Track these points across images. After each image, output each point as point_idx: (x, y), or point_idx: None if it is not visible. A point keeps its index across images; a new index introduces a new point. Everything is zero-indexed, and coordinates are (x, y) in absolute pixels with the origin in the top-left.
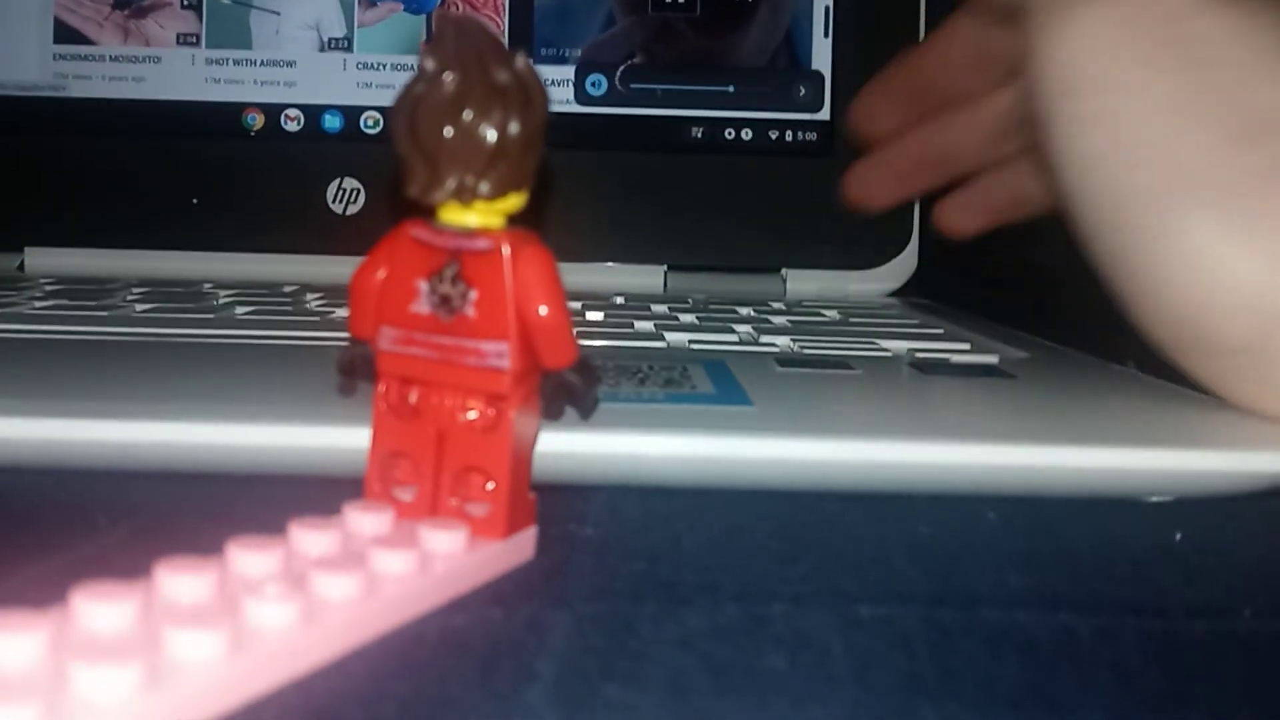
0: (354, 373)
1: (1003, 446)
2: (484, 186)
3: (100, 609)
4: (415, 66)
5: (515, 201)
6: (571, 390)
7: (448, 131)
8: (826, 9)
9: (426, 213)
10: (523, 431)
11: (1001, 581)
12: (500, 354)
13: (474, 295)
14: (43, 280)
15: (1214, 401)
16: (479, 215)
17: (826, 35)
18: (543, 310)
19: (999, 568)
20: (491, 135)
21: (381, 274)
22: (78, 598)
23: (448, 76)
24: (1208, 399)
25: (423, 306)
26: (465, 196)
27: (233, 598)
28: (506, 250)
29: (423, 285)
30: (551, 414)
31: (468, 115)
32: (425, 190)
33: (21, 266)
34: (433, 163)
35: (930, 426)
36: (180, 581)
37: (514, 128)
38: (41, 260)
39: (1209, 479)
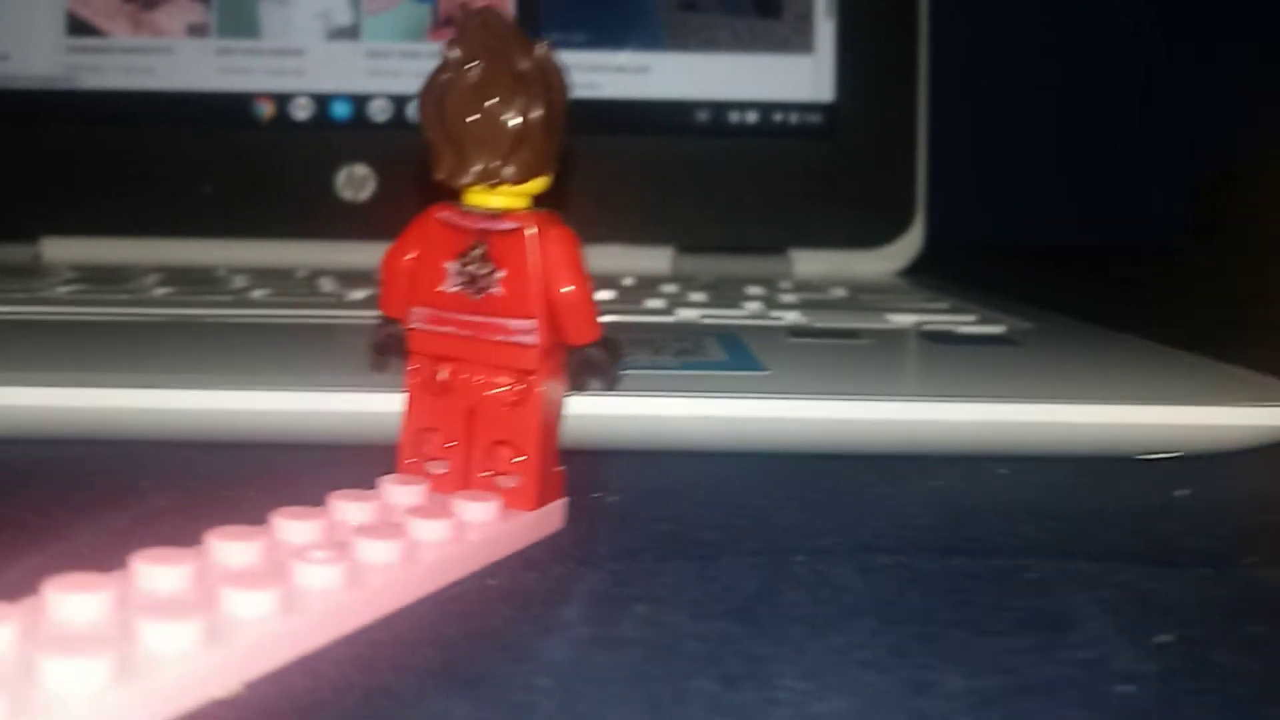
0: (386, 351)
1: (1001, 406)
2: (509, 170)
3: (159, 571)
4: (440, 56)
5: (539, 184)
6: (596, 365)
7: (473, 118)
8: None
9: (452, 196)
10: (550, 405)
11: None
12: (527, 330)
13: (501, 275)
14: (61, 268)
15: (1213, 363)
16: (504, 198)
17: (829, 17)
18: (567, 288)
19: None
20: (515, 121)
21: (411, 255)
22: (137, 561)
23: (472, 65)
24: (1210, 362)
25: (451, 286)
26: (491, 180)
27: (281, 562)
28: (532, 231)
29: (451, 266)
30: (577, 388)
31: (492, 102)
32: (452, 174)
33: (38, 256)
34: (459, 148)
35: (935, 388)
36: (231, 547)
37: (536, 113)
38: (58, 250)
39: (1213, 433)
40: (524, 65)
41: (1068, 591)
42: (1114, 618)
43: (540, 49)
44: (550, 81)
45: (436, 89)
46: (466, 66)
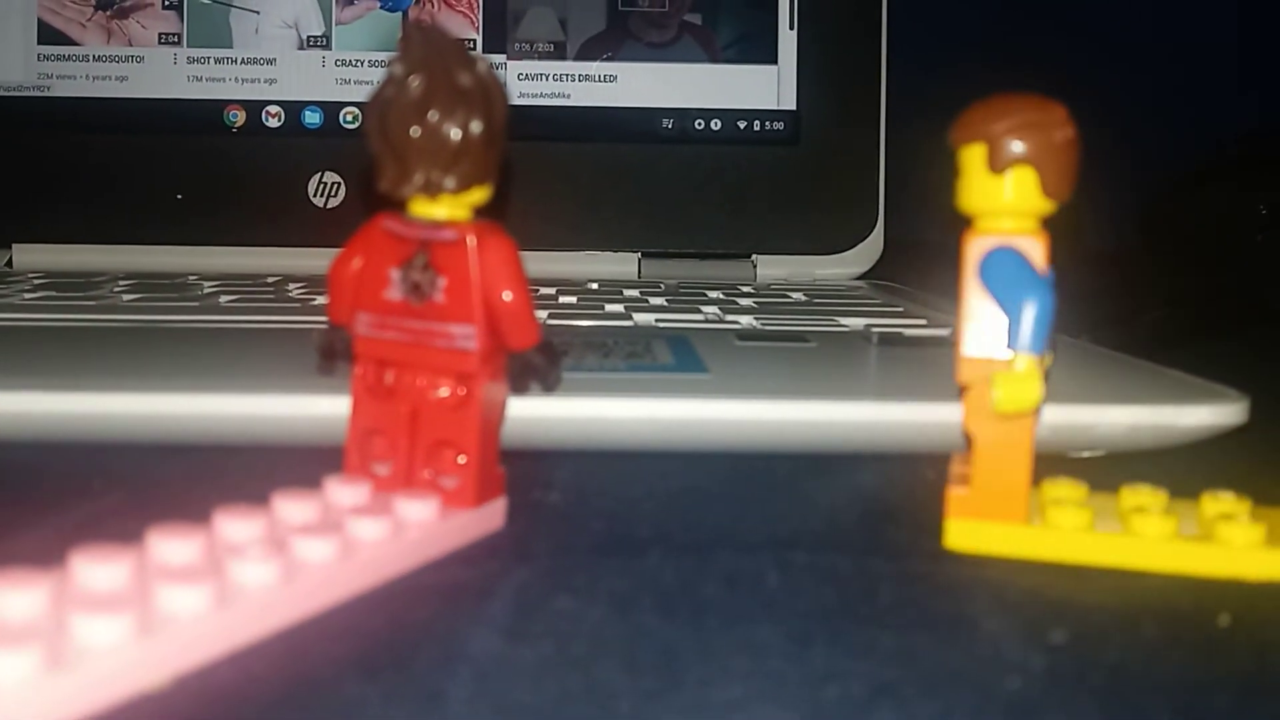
0: (333, 355)
1: (930, 406)
2: (450, 181)
3: (96, 568)
4: (385, 70)
5: (480, 195)
6: (535, 369)
7: (415, 131)
8: (791, 1)
9: (399, 206)
10: (490, 407)
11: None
12: (468, 336)
13: (443, 282)
14: (31, 275)
15: (1144, 364)
16: (446, 208)
17: (792, 27)
18: (506, 296)
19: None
20: (455, 134)
21: (357, 263)
22: (75, 557)
23: (414, 80)
24: (1140, 363)
25: (395, 293)
26: (432, 191)
27: (218, 559)
28: (472, 240)
29: (395, 273)
30: (518, 391)
31: (433, 116)
32: (395, 185)
33: (10, 263)
34: (402, 160)
35: (870, 389)
36: (170, 544)
37: (476, 127)
38: (29, 257)
39: (1142, 433)
40: (465, 80)
41: (971, 593)
42: (1010, 618)
43: (481, 65)
44: (491, 96)
45: (380, 102)
46: (409, 80)
